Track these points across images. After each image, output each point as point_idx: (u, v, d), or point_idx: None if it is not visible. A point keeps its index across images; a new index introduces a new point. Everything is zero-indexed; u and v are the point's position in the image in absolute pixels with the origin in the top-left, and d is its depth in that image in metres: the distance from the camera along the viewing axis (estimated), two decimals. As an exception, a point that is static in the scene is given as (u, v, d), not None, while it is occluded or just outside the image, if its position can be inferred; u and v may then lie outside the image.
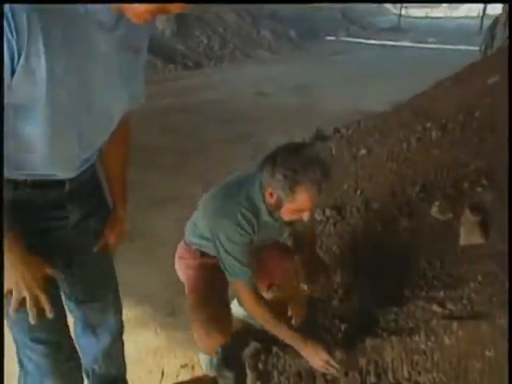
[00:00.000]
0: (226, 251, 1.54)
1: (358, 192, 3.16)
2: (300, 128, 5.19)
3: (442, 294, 1.84)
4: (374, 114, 5.09)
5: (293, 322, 1.97)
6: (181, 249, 1.88)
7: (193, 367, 2.05)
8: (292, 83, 8.33)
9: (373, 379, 1.57)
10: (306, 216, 1.48)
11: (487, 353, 1.49)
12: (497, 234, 2.19)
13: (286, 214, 1.50)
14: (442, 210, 2.41)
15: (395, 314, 1.80)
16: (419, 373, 1.51)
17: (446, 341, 1.55)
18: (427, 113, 4.02)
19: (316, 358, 1.58)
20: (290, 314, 2.04)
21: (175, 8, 0.83)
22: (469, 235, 2.21)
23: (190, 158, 4.58)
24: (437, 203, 2.46)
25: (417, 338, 1.60)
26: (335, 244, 2.63)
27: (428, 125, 3.61)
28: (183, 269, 1.85)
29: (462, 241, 2.22)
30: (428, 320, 1.68)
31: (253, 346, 1.98)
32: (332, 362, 1.57)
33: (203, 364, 2.00)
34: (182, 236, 1.89)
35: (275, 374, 1.83)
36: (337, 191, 3.26)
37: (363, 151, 3.85)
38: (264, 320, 1.65)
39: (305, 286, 1.96)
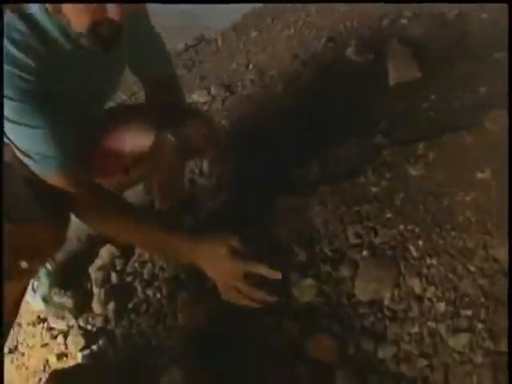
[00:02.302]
0: None
1: (251, 66, 2.48)
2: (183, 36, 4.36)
3: (383, 124, 1.20)
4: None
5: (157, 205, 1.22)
6: None
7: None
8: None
9: (301, 257, 0.90)
10: (114, 13, 0.69)
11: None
12: (433, 67, 1.61)
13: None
14: (359, 50, 1.78)
15: (323, 160, 1.12)
16: (375, 231, 0.87)
17: (411, 180, 0.92)
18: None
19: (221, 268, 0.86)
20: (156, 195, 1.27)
21: None
22: (400, 70, 1.60)
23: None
24: (352, 44, 1.82)
25: (362, 179, 0.95)
26: (224, 118, 1.92)
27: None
28: None
29: (392, 79, 1.60)
30: (375, 156, 1.03)
31: (106, 250, 1.24)
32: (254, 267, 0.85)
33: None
34: None
35: (138, 286, 1.12)
36: (223, 71, 2.58)
37: (254, 33, 3.15)
38: (113, 228, 0.93)
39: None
